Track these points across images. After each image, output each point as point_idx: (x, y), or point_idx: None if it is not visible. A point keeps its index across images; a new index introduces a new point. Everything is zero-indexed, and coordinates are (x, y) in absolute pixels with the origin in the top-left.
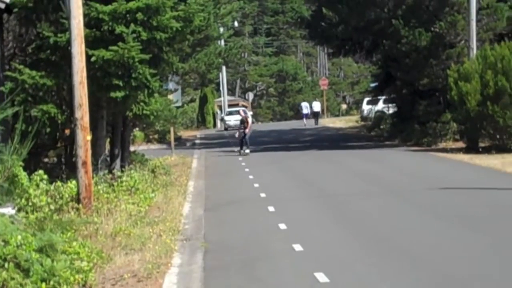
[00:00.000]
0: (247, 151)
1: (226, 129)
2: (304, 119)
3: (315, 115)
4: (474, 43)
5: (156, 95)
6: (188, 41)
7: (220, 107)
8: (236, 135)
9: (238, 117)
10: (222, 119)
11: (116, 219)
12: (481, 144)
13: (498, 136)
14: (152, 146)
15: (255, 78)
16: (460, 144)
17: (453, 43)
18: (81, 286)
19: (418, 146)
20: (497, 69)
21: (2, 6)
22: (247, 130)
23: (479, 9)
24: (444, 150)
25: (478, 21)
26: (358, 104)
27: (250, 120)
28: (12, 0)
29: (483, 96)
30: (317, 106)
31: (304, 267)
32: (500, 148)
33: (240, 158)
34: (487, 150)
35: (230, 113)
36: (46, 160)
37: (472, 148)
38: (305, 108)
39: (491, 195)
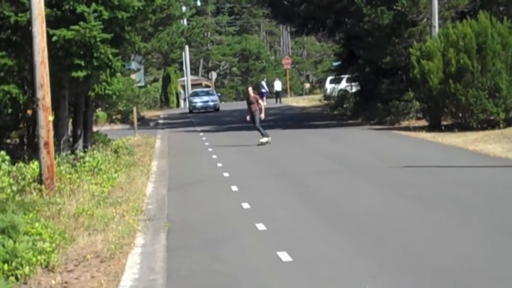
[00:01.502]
0: (264, 139)
1: (191, 111)
2: (262, 97)
3: (276, 94)
4: (436, 21)
5: (118, 75)
6: (150, 20)
7: (183, 87)
8: (246, 118)
9: (211, 99)
10: (185, 99)
11: (78, 199)
12: (444, 123)
13: (460, 115)
14: (115, 127)
15: (218, 58)
16: (423, 123)
17: (415, 21)
18: (44, 267)
19: (381, 125)
20: (459, 47)
21: None
22: (262, 115)
23: None
24: (407, 128)
25: None
26: (321, 83)
27: (261, 101)
28: None
29: (445, 74)
30: (278, 85)
31: (267, 246)
32: (462, 126)
33: (204, 138)
34: (449, 128)
35: (196, 94)
36: (8, 141)
37: (434, 127)
38: (262, 87)
39: (453, 173)
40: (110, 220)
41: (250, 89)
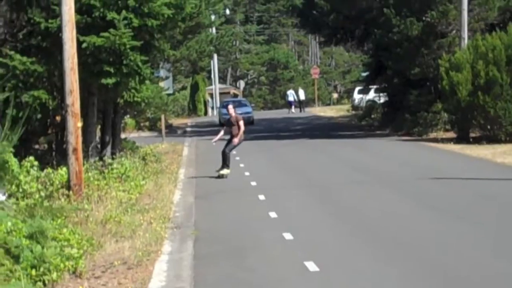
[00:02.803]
0: (225, 171)
1: (222, 124)
2: (291, 107)
3: (300, 103)
4: (465, 33)
5: (147, 82)
6: (180, 28)
7: (211, 95)
8: (214, 140)
9: (244, 110)
10: (213, 108)
11: (106, 206)
12: (472, 135)
13: (488, 127)
14: (143, 134)
15: (247, 66)
16: (451, 134)
17: (444, 32)
18: (71, 273)
19: (409, 136)
20: (488, 59)
21: None
22: (236, 140)
23: (470, 0)
24: (435, 140)
25: (469, 11)
26: (349, 93)
27: (242, 124)
28: None
29: (474, 86)
30: (301, 94)
31: (294, 256)
32: (490, 139)
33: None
34: (477, 141)
35: (228, 105)
36: (36, 146)
37: (462, 138)
38: (290, 95)
39: (481, 186)
40: (137, 227)
41: (230, 106)
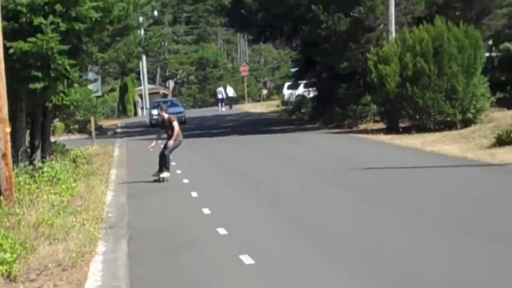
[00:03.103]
0: (165, 174)
1: (153, 125)
2: (219, 105)
3: (229, 100)
4: (393, 27)
5: (75, 85)
6: (108, 31)
7: (140, 96)
8: (151, 146)
9: (175, 110)
10: (142, 108)
11: (38, 209)
12: (401, 125)
13: (417, 117)
14: (73, 137)
15: (176, 66)
16: (381, 125)
17: (372, 27)
18: (5, 277)
19: (339, 128)
20: (416, 51)
21: None
22: (171, 142)
23: None
24: (365, 131)
25: (396, 5)
26: (279, 89)
27: (176, 124)
28: None
29: (402, 78)
30: (230, 91)
31: (229, 251)
32: (419, 128)
33: (162, 146)
34: (407, 130)
35: (158, 105)
36: None
37: (392, 129)
38: (219, 93)
39: (411, 174)
40: (70, 229)
41: (162, 108)
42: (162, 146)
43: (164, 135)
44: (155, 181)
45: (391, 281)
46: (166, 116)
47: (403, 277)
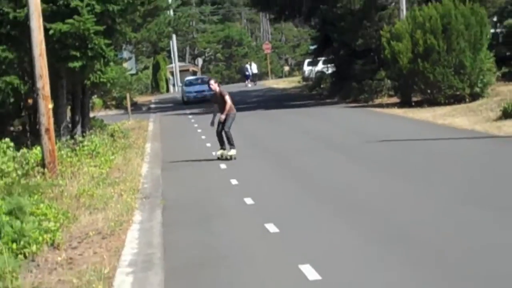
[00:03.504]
0: (233, 152)
1: (185, 102)
2: (246, 81)
3: (253, 76)
4: (403, 5)
5: (111, 64)
6: (139, 11)
7: (172, 73)
8: (211, 122)
9: (207, 88)
10: (174, 85)
11: (79, 181)
12: (414, 99)
13: (429, 91)
14: (110, 112)
15: (203, 45)
16: (395, 100)
17: (384, 5)
18: (50, 245)
19: (356, 103)
20: (426, 28)
21: None
22: (223, 116)
23: None
24: (380, 105)
25: None
26: (299, 65)
27: (228, 98)
28: None
29: (413, 54)
30: (254, 67)
31: (255, 219)
32: (431, 102)
33: (193, 120)
34: (419, 104)
35: (190, 83)
36: (11, 128)
37: (405, 103)
38: (246, 70)
39: (424, 145)
40: (109, 200)
41: (212, 82)
42: (215, 122)
43: (215, 113)
44: (218, 159)
45: (390, 232)
46: (218, 89)
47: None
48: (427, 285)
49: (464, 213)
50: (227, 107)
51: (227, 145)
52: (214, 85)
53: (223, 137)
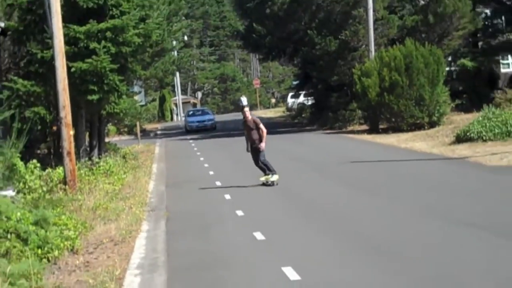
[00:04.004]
0: (275, 177)
1: (188, 131)
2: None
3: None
4: (372, 47)
5: (124, 96)
6: (148, 52)
7: (175, 104)
8: (248, 149)
9: (207, 118)
10: (177, 114)
11: (95, 196)
12: (381, 126)
13: (393, 120)
14: (123, 137)
15: (202, 80)
16: (364, 127)
17: (356, 47)
18: (70, 250)
19: (332, 130)
20: (391, 66)
21: None
22: (263, 144)
23: (375, 20)
24: (352, 132)
25: (375, 29)
26: (284, 98)
27: (262, 127)
28: (6, 24)
29: (381, 88)
30: (244, 100)
31: (245, 229)
32: (395, 129)
33: (193, 144)
34: (385, 131)
35: (193, 114)
36: (38, 151)
37: (374, 130)
38: (241, 102)
39: (389, 166)
40: (121, 212)
41: (246, 109)
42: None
43: (254, 142)
44: (263, 185)
45: (358, 238)
46: (250, 117)
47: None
48: (387, 276)
49: (418, 222)
50: (264, 134)
51: (268, 172)
52: (247, 113)
53: (263, 166)
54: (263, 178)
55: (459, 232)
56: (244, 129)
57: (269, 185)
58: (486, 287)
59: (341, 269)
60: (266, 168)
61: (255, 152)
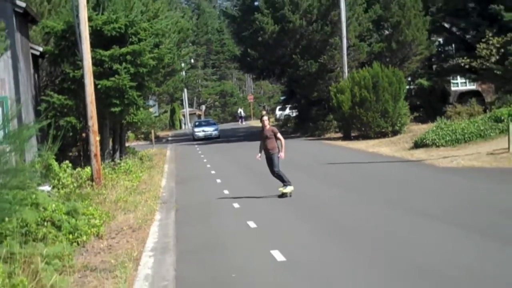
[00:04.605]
0: (289, 188)
1: (195, 139)
2: (239, 121)
3: (241, 118)
4: (345, 69)
5: (141, 109)
6: (161, 72)
7: (183, 115)
8: (258, 156)
9: (212, 128)
10: (185, 124)
11: (117, 191)
12: (352, 134)
13: (363, 129)
14: (140, 143)
15: (206, 96)
16: (339, 135)
17: (332, 69)
18: (95, 235)
19: (312, 137)
20: (361, 85)
21: (37, 53)
22: (282, 154)
23: (348, 47)
24: (329, 138)
25: (348, 54)
26: (273, 110)
27: (280, 136)
28: (44, 49)
29: (352, 103)
30: (241, 112)
31: (241, 218)
32: (364, 136)
33: (198, 149)
34: (356, 138)
35: (199, 124)
36: (70, 154)
37: (346, 137)
38: (240, 113)
39: (359, 166)
40: (138, 204)
41: (265, 118)
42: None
43: (271, 152)
44: (279, 197)
45: (335, 224)
46: (268, 126)
47: (337, 223)
48: (358, 255)
49: (388, 215)
50: (283, 143)
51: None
52: (266, 121)
53: (278, 177)
54: (281, 188)
55: (414, 219)
56: (260, 137)
57: (284, 197)
58: (431, 259)
59: (314, 247)
60: (282, 177)
61: (270, 162)
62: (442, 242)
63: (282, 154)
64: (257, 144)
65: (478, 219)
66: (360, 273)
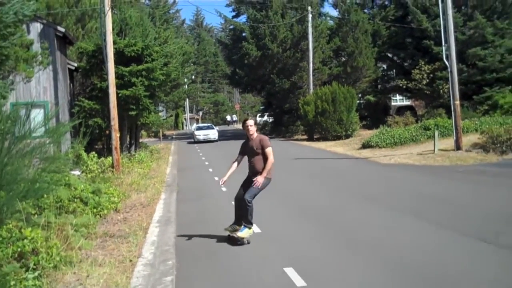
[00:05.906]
0: (245, 232)
1: (195, 142)
2: (228, 124)
3: (229, 122)
4: (311, 86)
5: (152, 113)
6: (168, 85)
7: (185, 119)
8: (222, 181)
9: (211, 132)
10: (186, 125)
11: (132, 176)
12: (315, 136)
13: (323, 132)
14: (151, 139)
15: (203, 104)
16: (305, 137)
17: (301, 86)
18: (114, 210)
19: (284, 138)
20: (323, 99)
21: (73, 68)
22: (259, 179)
23: (314, 70)
24: (297, 139)
25: (313, 75)
26: (255, 117)
27: (271, 151)
28: (78, 65)
29: (316, 113)
30: (234, 117)
31: (228, 200)
32: (324, 138)
33: (196, 147)
34: (318, 139)
35: (200, 128)
36: (96, 147)
37: (310, 139)
38: (231, 118)
39: (320, 161)
40: (148, 186)
41: (250, 123)
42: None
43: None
44: (228, 236)
45: (302, 209)
46: (255, 135)
47: (302, 205)
48: (312, 222)
49: (340, 197)
50: (269, 164)
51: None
52: (252, 129)
53: (245, 209)
54: (230, 228)
55: (358, 202)
56: (243, 152)
57: (238, 243)
58: (367, 233)
59: (303, 235)
60: (246, 212)
61: (248, 186)
62: (383, 223)
63: (259, 179)
64: (239, 142)
65: (406, 202)
66: (308, 230)
